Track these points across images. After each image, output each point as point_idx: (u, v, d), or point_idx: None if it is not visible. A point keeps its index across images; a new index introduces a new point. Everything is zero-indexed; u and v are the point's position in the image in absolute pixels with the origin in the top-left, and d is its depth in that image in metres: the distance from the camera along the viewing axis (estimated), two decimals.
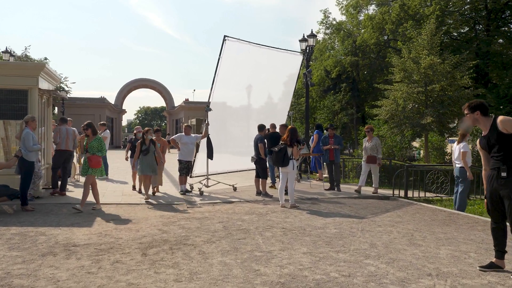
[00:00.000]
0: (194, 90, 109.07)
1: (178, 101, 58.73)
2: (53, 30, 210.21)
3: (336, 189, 12.22)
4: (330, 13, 35.89)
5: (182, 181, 11.42)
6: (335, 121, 28.93)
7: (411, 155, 25.38)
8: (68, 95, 48.95)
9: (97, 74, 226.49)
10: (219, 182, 12.23)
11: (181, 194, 11.19)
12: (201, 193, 11.23)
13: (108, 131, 15.60)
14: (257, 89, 13.51)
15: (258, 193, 11.20)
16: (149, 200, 10.07)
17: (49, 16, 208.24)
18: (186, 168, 11.46)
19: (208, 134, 11.70)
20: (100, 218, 8.14)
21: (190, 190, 11.64)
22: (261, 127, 11.70)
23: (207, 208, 9.32)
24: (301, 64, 14.52)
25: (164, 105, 70.71)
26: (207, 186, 11.90)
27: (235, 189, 12.03)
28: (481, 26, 30.95)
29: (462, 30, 32.51)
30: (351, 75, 35.19)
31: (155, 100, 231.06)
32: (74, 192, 11.49)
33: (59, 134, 11.29)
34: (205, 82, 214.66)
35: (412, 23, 27.30)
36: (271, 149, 9.63)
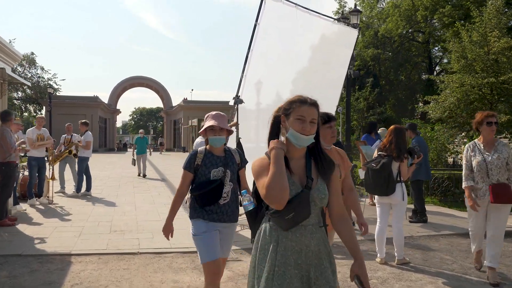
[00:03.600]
0: (192, 90, 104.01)
1: (175, 102, 54.90)
2: (49, 28, 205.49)
3: (422, 219, 8.40)
4: (346, 2, 32.14)
5: None
6: (362, 121, 25.07)
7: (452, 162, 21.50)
8: (58, 93, 44.99)
9: (91, 74, 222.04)
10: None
11: None
12: None
13: (90, 133, 11.68)
14: (302, 73, 9.68)
15: None
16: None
17: (45, 15, 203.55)
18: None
19: (239, 138, 7.88)
20: None
21: None
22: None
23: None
24: (355, 43, 10.73)
25: (161, 105, 66.84)
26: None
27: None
28: None
29: None
30: (373, 69, 31.45)
31: (150, 102, 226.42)
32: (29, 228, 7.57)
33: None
34: (202, 82, 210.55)
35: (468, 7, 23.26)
36: (368, 164, 5.70)
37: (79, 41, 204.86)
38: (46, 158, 10.25)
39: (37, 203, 9.73)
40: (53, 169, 10.21)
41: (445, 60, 33.75)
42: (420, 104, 24.70)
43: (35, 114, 47.57)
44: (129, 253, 5.97)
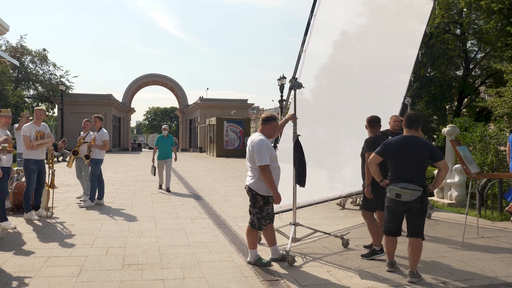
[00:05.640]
0: (208, 89, 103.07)
1: (189, 101, 52.96)
2: (60, 30, 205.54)
3: None
4: None
5: (253, 240, 5.33)
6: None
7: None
8: (70, 91, 43.40)
9: (102, 75, 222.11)
10: (316, 231, 6.32)
11: (253, 264, 5.24)
12: (290, 260, 5.25)
13: (105, 130, 9.71)
14: (367, 52, 7.59)
15: (378, 249, 5.60)
16: None
17: (57, 17, 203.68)
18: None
19: (298, 136, 5.80)
20: None
21: (269, 262, 5.28)
22: (375, 121, 5.89)
23: None
24: (430, 17, 8.57)
25: (175, 105, 65.11)
26: (297, 240, 5.99)
27: (346, 244, 6.07)
28: None
29: None
30: None
31: (165, 101, 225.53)
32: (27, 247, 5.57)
33: None
34: (213, 83, 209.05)
35: None
36: None
37: (89, 43, 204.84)
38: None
39: (35, 217, 7.76)
40: (53, 175, 8.22)
41: (480, 55, 31.36)
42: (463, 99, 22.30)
43: (47, 112, 46.09)
44: None
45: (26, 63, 41.07)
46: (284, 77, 28.03)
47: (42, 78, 42.24)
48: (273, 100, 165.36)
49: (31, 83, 41.92)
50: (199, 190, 12.13)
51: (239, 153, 33.92)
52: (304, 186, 5.80)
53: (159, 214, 8.45)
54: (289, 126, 6.02)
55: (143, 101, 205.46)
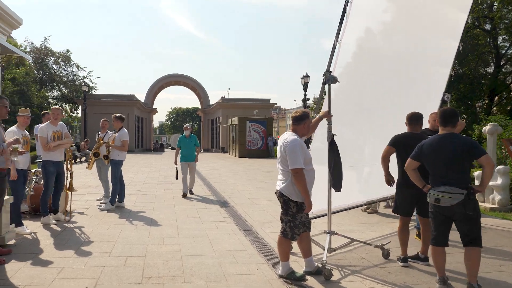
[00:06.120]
0: (229, 89, 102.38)
1: (211, 101, 52.75)
2: (84, 33, 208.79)
3: None
4: None
5: (285, 251, 4.76)
6: None
7: None
8: (93, 92, 43.58)
9: (125, 76, 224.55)
10: (353, 240, 5.77)
11: (284, 278, 4.72)
12: (327, 274, 4.71)
13: (126, 130, 9.31)
14: (403, 43, 6.98)
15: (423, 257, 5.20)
16: None
17: (79, 20, 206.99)
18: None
19: (333, 135, 5.26)
20: None
21: (303, 276, 4.72)
22: (415, 118, 5.31)
23: None
24: (472, 4, 7.89)
25: (197, 105, 64.99)
26: (332, 250, 5.44)
27: (387, 254, 5.48)
28: None
29: None
30: None
31: (187, 102, 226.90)
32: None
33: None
34: (233, 83, 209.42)
35: None
36: None
37: (113, 46, 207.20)
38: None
39: (53, 221, 7.40)
40: (71, 178, 7.85)
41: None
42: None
43: (71, 113, 46.44)
44: None
45: (50, 64, 41.36)
46: (307, 76, 27.40)
47: (66, 79, 42.51)
48: (295, 100, 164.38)
49: (55, 84, 42.21)
50: (223, 192, 11.67)
51: (262, 153, 33.43)
52: (340, 191, 5.26)
53: (181, 218, 8.00)
54: (321, 125, 5.48)
55: (165, 101, 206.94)
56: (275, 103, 51.24)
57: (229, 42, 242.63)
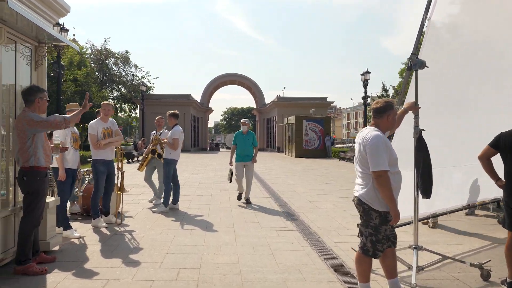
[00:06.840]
0: (284, 88, 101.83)
1: (266, 101, 52.15)
2: (141, 36, 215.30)
3: None
4: None
5: (365, 270, 3.89)
6: None
7: None
8: (151, 92, 44.26)
9: (182, 77, 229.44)
10: (445, 257, 4.84)
11: None
12: None
13: (179, 128, 8.74)
14: (507, 23, 5.91)
15: None
16: None
17: (139, 23, 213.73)
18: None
19: (421, 130, 4.38)
20: None
21: None
22: None
23: None
24: None
25: (252, 105, 64.66)
26: (419, 269, 4.54)
27: (486, 275, 4.51)
28: None
29: None
30: None
31: (242, 102, 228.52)
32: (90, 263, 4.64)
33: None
34: (288, 82, 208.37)
35: None
36: None
37: (169, 47, 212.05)
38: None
39: (103, 224, 6.96)
40: (122, 178, 7.39)
41: None
42: None
43: (130, 113, 47.42)
44: None
45: (110, 65, 42.37)
46: (368, 72, 26.13)
47: (125, 79, 43.42)
48: (351, 99, 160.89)
49: (114, 84, 43.21)
50: (282, 194, 10.93)
51: (320, 153, 32.41)
52: (429, 198, 4.37)
53: (239, 223, 7.34)
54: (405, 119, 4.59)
55: (221, 101, 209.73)
56: (332, 102, 49.91)
57: (284, 41, 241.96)
